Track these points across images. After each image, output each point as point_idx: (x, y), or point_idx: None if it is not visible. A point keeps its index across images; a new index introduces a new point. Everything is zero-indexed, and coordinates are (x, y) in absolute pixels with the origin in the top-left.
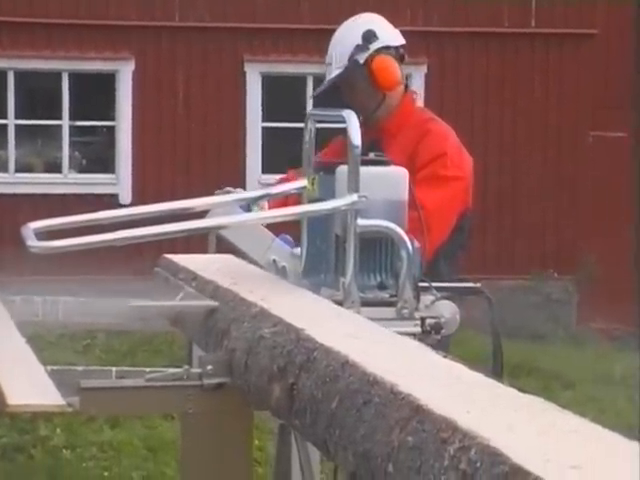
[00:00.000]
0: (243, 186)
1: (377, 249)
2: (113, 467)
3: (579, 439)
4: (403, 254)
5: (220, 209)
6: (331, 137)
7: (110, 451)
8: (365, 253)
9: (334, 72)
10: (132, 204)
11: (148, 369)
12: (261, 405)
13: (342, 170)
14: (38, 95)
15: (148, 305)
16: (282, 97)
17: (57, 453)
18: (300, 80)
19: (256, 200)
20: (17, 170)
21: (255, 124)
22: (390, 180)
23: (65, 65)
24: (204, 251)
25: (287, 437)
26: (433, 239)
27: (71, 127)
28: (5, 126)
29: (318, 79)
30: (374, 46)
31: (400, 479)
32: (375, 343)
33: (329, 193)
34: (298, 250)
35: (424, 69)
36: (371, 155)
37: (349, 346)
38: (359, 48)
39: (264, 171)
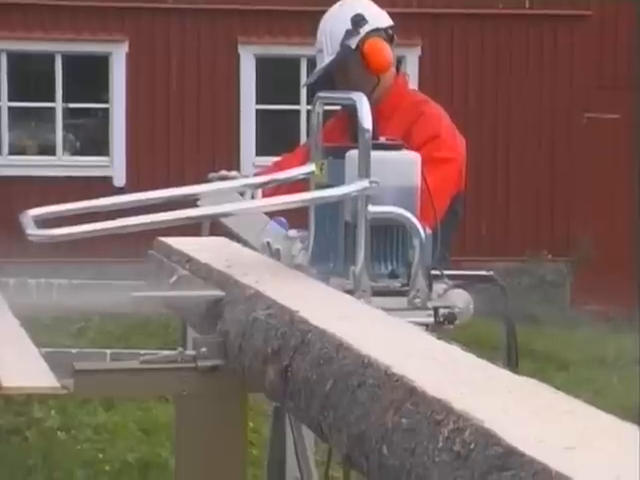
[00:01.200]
0: (237, 169)
1: (388, 236)
2: (107, 449)
3: (573, 420)
4: (416, 242)
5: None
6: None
7: (104, 433)
8: (376, 240)
9: (326, 59)
10: (126, 186)
11: (142, 351)
12: (255, 387)
13: (352, 155)
14: (31, 77)
15: (152, 295)
16: (276, 79)
17: (51, 435)
18: (294, 62)
19: (263, 186)
20: (10, 153)
21: (249, 106)
22: (402, 165)
23: (59, 47)
24: (198, 234)
25: (281, 419)
26: (428, 221)
27: (65, 109)
28: None
29: (312, 61)
30: (364, 30)
31: (394, 461)
32: (369, 325)
33: (338, 178)
34: (292, 232)
35: (418, 51)
36: (382, 139)
37: (343, 328)
38: (349, 33)
39: (258, 153)
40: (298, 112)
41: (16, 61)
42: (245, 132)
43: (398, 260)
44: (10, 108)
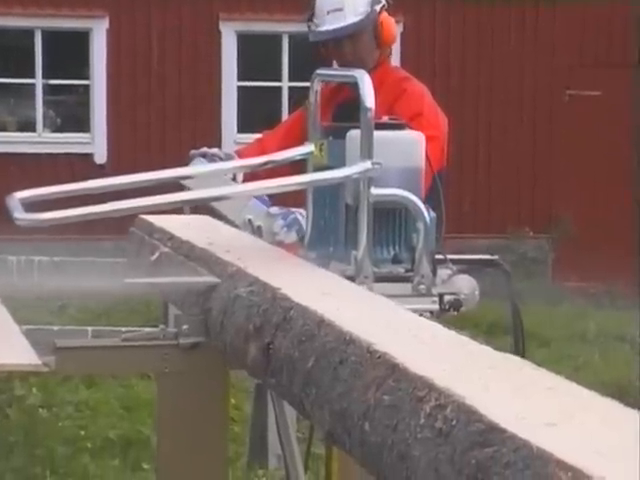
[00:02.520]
0: (219, 145)
1: (390, 219)
2: (89, 426)
3: (554, 396)
4: (420, 225)
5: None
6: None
7: (86, 410)
8: (378, 224)
9: (349, 18)
10: (107, 163)
11: (124, 329)
12: (237, 364)
13: (353, 135)
14: (11, 53)
15: (145, 282)
16: (258, 56)
17: (33, 412)
18: (276, 39)
19: (260, 167)
20: None
21: (231, 83)
22: (405, 145)
23: (38, 22)
24: (180, 211)
25: (263, 396)
26: None
27: (45, 85)
28: None
29: (294, 38)
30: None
31: (376, 437)
32: (351, 302)
33: (339, 160)
34: (273, 209)
35: (400, 27)
36: (385, 118)
37: (325, 305)
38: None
39: (240, 130)
40: (280, 89)
41: None
42: (227, 109)
43: (401, 244)
44: None
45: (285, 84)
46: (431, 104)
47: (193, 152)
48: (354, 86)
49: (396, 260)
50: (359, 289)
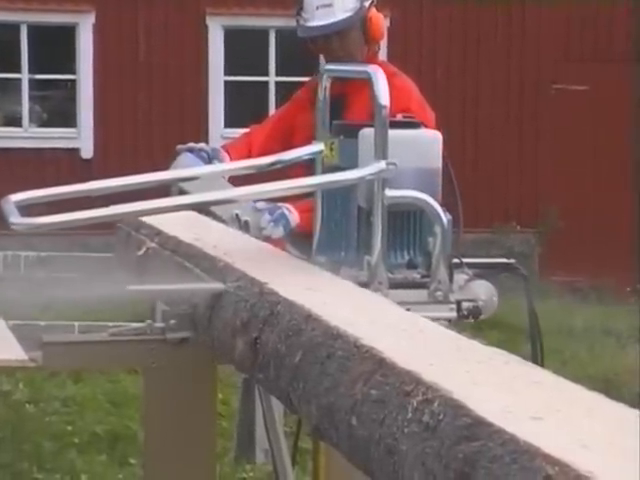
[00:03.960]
0: (206, 140)
1: (405, 222)
2: (76, 421)
3: (541, 390)
4: (437, 229)
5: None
6: (294, 90)
7: (73, 406)
8: (391, 227)
9: (339, 14)
10: (93, 158)
11: (111, 324)
12: (225, 359)
13: (366, 133)
14: None
15: (149, 290)
16: (244, 51)
17: (20, 408)
18: (263, 34)
19: (269, 167)
20: None
21: (217, 78)
22: (421, 145)
23: (24, 17)
24: None
25: (251, 391)
26: None
27: (31, 80)
28: None
29: (281, 33)
30: None
31: (363, 432)
32: (338, 296)
33: (350, 159)
34: (260, 204)
35: (387, 22)
36: (399, 116)
37: (312, 299)
38: None
39: (227, 125)
40: (267, 84)
41: None
42: (214, 104)
43: (415, 248)
44: None
45: (272, 79)
46: (419, 100)
47: (180, 147)
48: (342, 81)
49: (411, 265)
50: (346, 284)
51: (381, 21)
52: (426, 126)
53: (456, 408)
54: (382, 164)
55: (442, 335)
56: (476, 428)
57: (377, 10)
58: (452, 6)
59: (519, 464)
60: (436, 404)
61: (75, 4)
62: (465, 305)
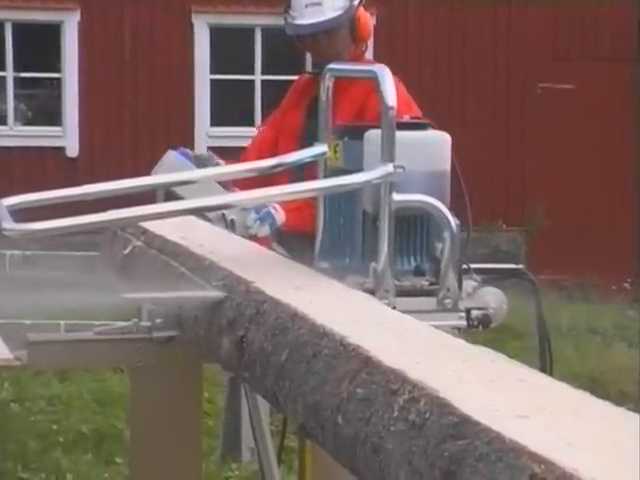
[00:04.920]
0: (191, 139)
1: (411, 228)
2: (62, 421)
3: (527, 389)
4: (446, 234)
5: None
6: (280, 89)
7: (59, 405)
8: (397, 232)
9: (328, 13)
10: (79, 157)
11: (97, 322)
12: (211, 358)
13: (372, 135)
14: None
15: (146, 297)
16: (230, 49)
17: (5, 407)
18: (249, 32)
19: (270, 170)
20: None
21: (203, 76)
22: (429, 147)
23: (9, 15)
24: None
25: (237, 389)
26: None
27: (16, 78)
28: None
29: (267, 31)
30: None
31: (349, 430)
32: (325, 295)
33: (355, 162)
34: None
35: (373, 20)
36: (406, 117)
37: (298, 298)
38: None
39: (212, 124)
40: (252, 82)
41: None
42: (199, 102)
43: (422, 254)
44: None
45: (258, 77)
46: (405, 98)
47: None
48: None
49: (418, 272)
50: (333, 282)
51: (369, 21)
52: (434, 128)
53: (442, 407)
54: (389, 167)
55: (428, 334)
56: (462, 426)
57: (365, 9)
58: (439, 5)
59: (505, 462)
60: (422, 403)
61: (60, 2)
62: (475, 313)
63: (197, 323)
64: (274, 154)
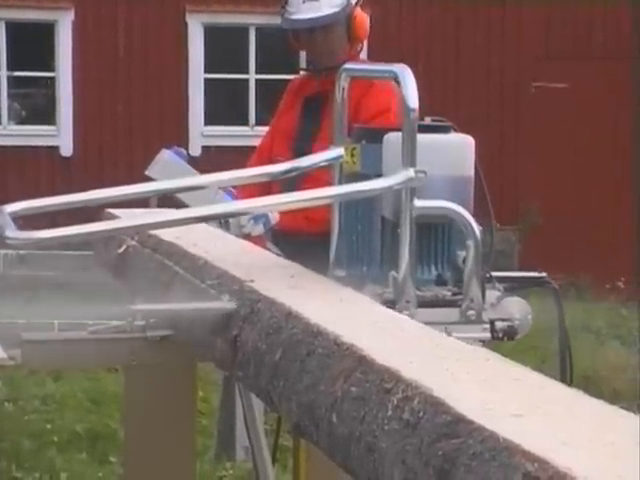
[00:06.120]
0: (186, 138)
1: (432, 235)
2: (56, 420)
3: (520, 388)
4: (469, 242)
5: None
6: (274, 88)
7: (53, 404)
8: (418, 240)
9: (325, 9)
10: (73, 156)
11: (91, 321)
12: (205, 357)
13: (391, 138)
14: None
15: (155, 309)
16: (224, 48)
17: None
18: (243, 31)
19: (285, 174)
20: None
21: (197, 75)
22: (452, 150)
23: (3, 14)
24: (146, 205)
25: (231, 388)
26: None
27: (10, 78)
28: None
29: (261, 30)
30: None
31: (344, 429)
32: (319, 294)
33: (374, 166)
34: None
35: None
36: (427, 119)
37: (292, 297)
38: None
39: (207, 123)
40: (247, 81)
41: None
42: (193, 101)
43: (444, 263)
44: None
45: (252, 76)
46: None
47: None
48: (322, 79)
49: (440, 281)
50: (327, 281)
51: (365, 20)
52: (456, 130)
53: (436, 405)
54: (410, 172)
55: (422, 333)
56: (456, 425)
57: (362, 9)
58: (432, 5)
59: (499, 461)
60: (416, 401)
61: (54, 1)
62: (499, 325)
63: (191, 322)
64: (271, 158)
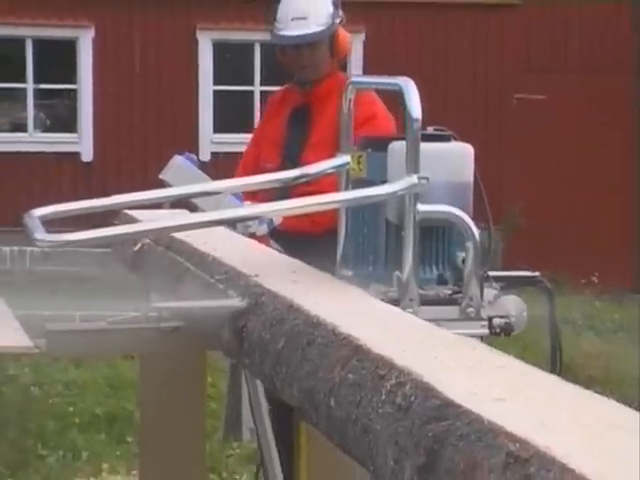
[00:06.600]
0: (196, 145)
1: (434, 237)
2: (77, 403)
3: (504, 374)
4: (469, 244)
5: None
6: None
7: (75, 388)
8: (420, 242)
9: (313, 27)
10: (93, 161)
11: (110, 313)
12: (214, 346)
13: (396, 147)
14: (4, 60)
15: (174, 306)
16: (232, 62)
17: (25, 390)
18: (249, 47)
19: (294, 180)
20: None
21: (207, 87)
22: (453, 158)
23: (29, 32)
24: (159, 207)
25: (238, 375)
26: None
27: (35, 90)
28: None
29: (265, 46)
30: (340, 15)
31: (341, 412)
32: (319, 288)
33: (379, 173)
34: (246, 204)
35: (362, 37)
36: (430, 129)
37: (294, 291)
38: (335, 12)
39: (215, 130)
40: (252, 93)
41: None
42: (203, 111)
43: (445, 263)
44: None
45: (257, 88)
46: (382, 108)
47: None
48: (307, 90)
49: (441, 280)
50: (326, 277)
51: (347, 39)
52: (457, 139)
53: (426, 390)
54: (414, 178)
55: (414, 324)
56: (445, 409)
57: (353, 25)
58: (422, 21)
59: (484, 442)
60: (408, 387)
61: (76, 20)
62: (497, 322)
63: (202, 317)
64: (258, 166)
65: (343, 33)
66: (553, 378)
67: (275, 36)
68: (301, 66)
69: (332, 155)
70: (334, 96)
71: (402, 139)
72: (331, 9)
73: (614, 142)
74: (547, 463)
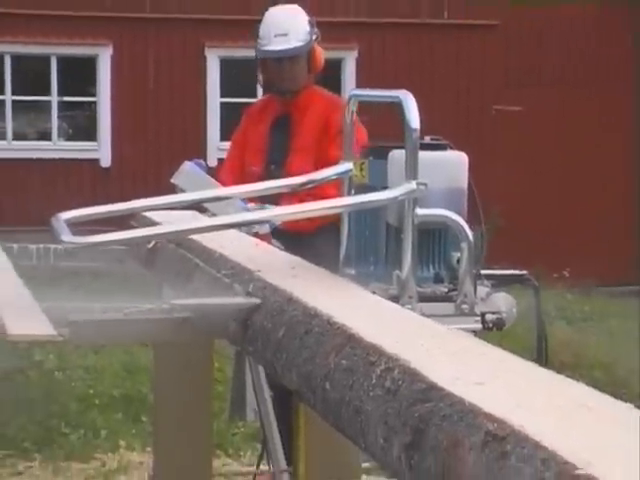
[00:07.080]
0: (204, 152)
1: (430, 238)
2: (97, 386)
3: (484, 360)
4: (464, 245)
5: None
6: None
7: (94, 373)
8: (419, 243)
9: (293, 42)
10: (111, 167)
11: (127, 305)
12: (220, 335)
13: (396, 155)
14: (31, 75)
15: (189, 303)
16: (237, 77)
17: (50, 375)
18: (252, 63)
19: (301, 187)
20: (14, 139)
21: (214, 99)
22: (448, 165)
23: (54, 50)
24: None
25: (242, 361)
26: None
27: (59, 102)
28: (3, 102)
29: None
30: (315, 32)
31: (335, 395)
32: (317, 282)
33: (380, 179)
34: (251, 205)
35: (355, 54)
36: (427, 138)
37: (293, 285)
38: (311, 30)
39: (222, 139)
40: None
41: (18, 62)
42: (211, 121)
43: (441, 263)
44: (14, 101)
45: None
46: (356, 117)
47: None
48: (287, 100)
49: (437, 279)
50: (323, 272)
51: (322, 54)
52: (452, 148)
53: (413, 375)
54: (413, 184)
55: (403, 315)
56: (429, 392)
57: (345, 43)
58: (409, 39)
59: (465, 422)
60: (396, 372)
61: (95, 39)
62: (489, 317)
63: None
64: (243, 170)
65: (319, 49)
66: (529, 364)
67: (259, 51)
68: (281, 78)
69: (313, 159)
70: (311, 107)
71: (402, 147)
72: (308, 27)
73: (586, 149)
74: (522, 441)
